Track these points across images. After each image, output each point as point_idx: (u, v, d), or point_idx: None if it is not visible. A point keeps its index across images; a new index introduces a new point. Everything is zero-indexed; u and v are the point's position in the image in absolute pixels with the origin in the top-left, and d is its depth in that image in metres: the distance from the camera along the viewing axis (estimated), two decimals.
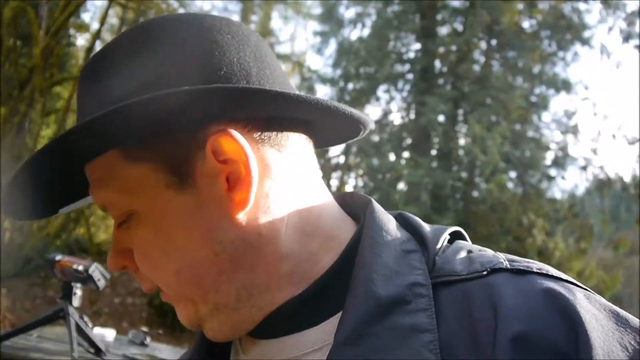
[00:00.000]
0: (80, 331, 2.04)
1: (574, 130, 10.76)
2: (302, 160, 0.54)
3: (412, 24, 11.17)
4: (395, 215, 0.57)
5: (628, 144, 9.98)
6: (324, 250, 0.52)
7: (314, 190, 0.55)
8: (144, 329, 3.77)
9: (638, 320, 0.44)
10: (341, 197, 0.60)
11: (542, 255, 9.43)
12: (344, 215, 0.57)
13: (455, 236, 0.56)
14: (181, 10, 9.72)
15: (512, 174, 10.55)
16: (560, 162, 10.63)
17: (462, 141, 10.56)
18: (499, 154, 9.20)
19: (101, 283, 2.05)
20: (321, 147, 0.64)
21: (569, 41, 11.01)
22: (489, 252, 0.51)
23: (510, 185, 10.28)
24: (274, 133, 0.51)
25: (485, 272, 0.47)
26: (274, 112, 0.51)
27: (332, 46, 17.02)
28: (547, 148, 10.78)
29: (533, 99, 10.86)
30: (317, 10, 13.16)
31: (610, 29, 10.35)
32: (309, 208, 0.53)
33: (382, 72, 10.87)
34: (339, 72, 11.85)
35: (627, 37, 10.24)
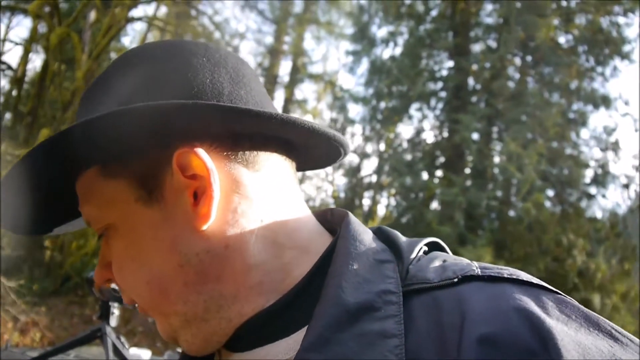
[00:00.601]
0: (117, 352, 2.07)
1: (615, 147, 10.44)
2: (275, 177, 0.55)
3: (445, 41, 11.13)
4: (375, 229, 0.58)
5: None
6: (298, 262, 0.53)
7: (289, 206, 0.56)
8: (179, 349, 3.79)
9: (609, 324, 0.44)
10: (322, 214, 0.61)
11: (583, 276, 9.11)
12: (322, 230, 0.58)
13: (434, 247, 0.57)
14: (217, 33, 9.97)
15: (550, 193, 10.28)
16: (600, 180, 10.30)
17: (497, 159, 10.38)
18: (535, 171, 8.99)
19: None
20: (309, 169, 0.66)
21: (608, 56, 10.75)
22: (464, 260, 0.51)
23: (547, 204, 10.01)
24: (244, 151, 0.53)
25: (456, 280, 0.47)
26: (241, 129, 0.52)
27: (364, 65, 17.10)
28: (586, 165, 10.48)
29: (571, 115, 10.61)
30: (350, 30, 13.29)
31: None
32: (283, 222, 0.54)
33: (414, 90, 10.84)
34: (371, 90, 11.88)
35: None
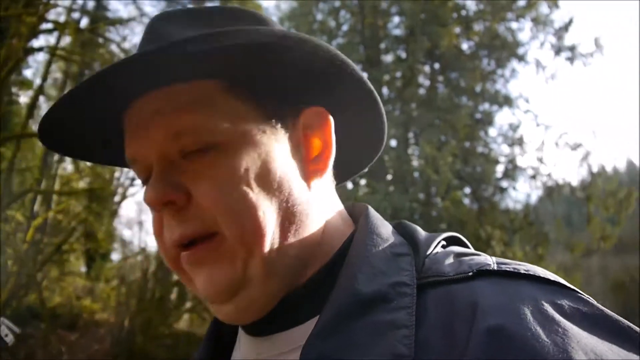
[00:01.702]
0: None
1: (520, 142, 11.16)
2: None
3: (357, 54, 11.49)
4: (395, 224, 0.59)
5: (571, 150, 10.41)
6: (322, 254, 0.55)
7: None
8: None
9: (627, 324, 0.42)
10: (345, 208, 0.63)
11: None
12: (350, 222, 0.60)
13: (454, 242, 0.57)
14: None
15: (467, 190, 10.82)
16: (510, 174, 10.97)
17: (415, 163, 10.79)
18: (450, 171, 9.43)
19: (9, 339, 1.98)
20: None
21: (506, 58, 11.52)
22: (481, 255, 0.51)
23: (466, 201, 10.53)
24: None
25: (471, 274, 0.47)
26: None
27: None
28: (496, 162, 11.13)
29: (478, 116, 11.26)
30: None
31: (542, 44, 10.89)
32: (338, 203, 0.61)
33: None
34: None
35: (557, 51, 10.81)
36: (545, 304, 0.42)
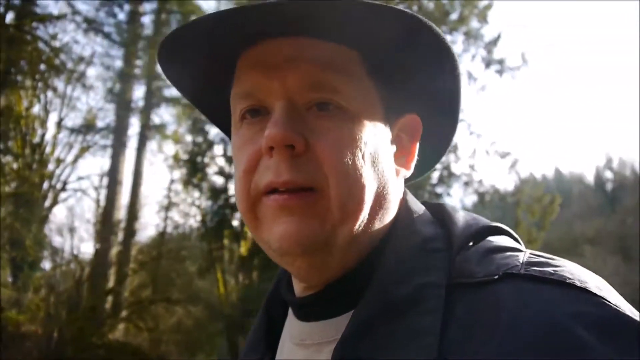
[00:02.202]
0: None
1: (454, 150, 11.60)
2: None
3: None
4: (434, 206, 0.62)
5: (500, 158, 10.93)
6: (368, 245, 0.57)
7: None
8: None
9: None
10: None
11: None
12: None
13: (495, 230, 0.57)
14: (59, 58, 9.27)
15: None
16: (445, 181, 11.37)
17: None
18: None
19: None
20: None
21: None
22: (514, 253, 0.51)
23: None
24: None
25: (497, 277, 0.47)
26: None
27: None
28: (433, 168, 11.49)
29: None
30: None
31: (473, 56, 11.39)
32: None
33: None
34: None
35: (488, 63, 11.34)
36: (563, 314, 0.42)
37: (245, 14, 0.49)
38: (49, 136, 12.06)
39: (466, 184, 11.33)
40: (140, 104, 12.47)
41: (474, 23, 11.21)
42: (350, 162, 0.51)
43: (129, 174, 12.28)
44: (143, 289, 11.74)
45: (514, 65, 11.37)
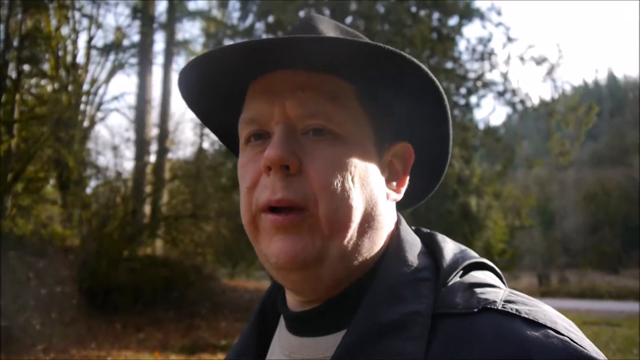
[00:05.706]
0: None
1: (490, 56, 10.92)
2: None
3: None
4: (426, 236, 0.67)
5: (536, 65, 10.22)
6: (361, 267, 0.61)
7: None
8: None
9: None
10: None
11: (461, 182, 9.78)
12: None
13: (482, 267, 0.63)
14: None
15: None
16: (475, 90, 10.84)
17: None
18: None
19: None
20: None
21: None
22: (494, 289, 0.56)
23: None
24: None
25: (476, 310, 0.52)
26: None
27: None
28: (465, 78, 10.94)
29: (444, 31, 10.90)
30: None
31: None
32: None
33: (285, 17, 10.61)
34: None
35: None
36: (532, 349, 0.48)
37: (262, 47, 0.56)
38: (80, 57, 12.21)
39: (499, 93, 10.76)
40: (163, 19, 12.25)
41: None
42: (339, 183, 0.56)
43: (159, 92, 12.33)
44: (181, 205, 12.10)
45: None
